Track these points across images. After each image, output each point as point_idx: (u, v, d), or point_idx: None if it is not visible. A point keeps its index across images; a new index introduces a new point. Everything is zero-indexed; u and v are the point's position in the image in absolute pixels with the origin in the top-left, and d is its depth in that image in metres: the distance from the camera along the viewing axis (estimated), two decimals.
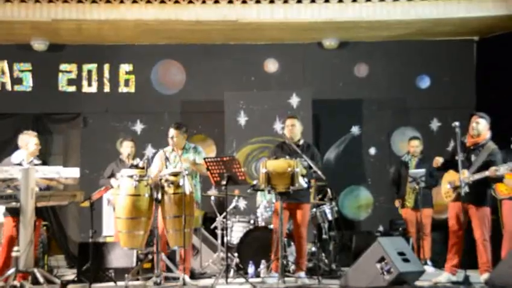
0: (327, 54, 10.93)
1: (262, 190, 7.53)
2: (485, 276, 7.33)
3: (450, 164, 7.58)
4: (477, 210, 7.34)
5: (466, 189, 7.28)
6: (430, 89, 10.92)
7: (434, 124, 10.77)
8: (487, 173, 7.28)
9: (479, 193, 7.38)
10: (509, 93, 10.37)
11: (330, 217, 8.59)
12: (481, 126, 7.55)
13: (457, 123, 7.43)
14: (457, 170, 7.40)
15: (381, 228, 10.40)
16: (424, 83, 10.97)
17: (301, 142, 7.77)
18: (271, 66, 11.00)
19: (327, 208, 8.59)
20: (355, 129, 10.93)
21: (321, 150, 10.67)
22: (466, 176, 7.37)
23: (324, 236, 8.55)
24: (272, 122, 10.23)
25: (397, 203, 9.19)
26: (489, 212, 7.48)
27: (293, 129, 7.74)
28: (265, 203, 8.57)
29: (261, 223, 8.51)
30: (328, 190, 8.74)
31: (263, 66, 10.98)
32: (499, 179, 7.56)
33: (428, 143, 9.45)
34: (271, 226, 7.95)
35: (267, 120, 10.21)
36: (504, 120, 10.08)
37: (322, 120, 10.79)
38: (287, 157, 7.47)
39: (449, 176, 7.64)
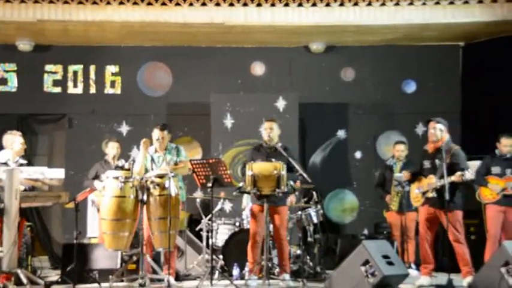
0: (314, 58, 10.99)
1: (248, 192, 7.54)
2: (468, 279, 7.41)
3: (418, 174, 7.76)
4: (447, 215, 7.40)
5: (434, 194, 7.44)
6: (416, 94, 11.01)
7: (420, 129, 10.83)
8: (453, 178, 7.40)
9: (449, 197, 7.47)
10: (495, 99, 10.48)
11: (315, 220, 8.60)
12: (439, 131, 7.67)
13: (442, 128, 7.49)
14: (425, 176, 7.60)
15: (365, 232, 10.46)
16: (410, 87, 11.05)
17: (278, 145, 7.80)
18: (258, 69, 11.04)
19: (312, 211, 8.61)
20: (341, 133, 11.00)
21: (307, 153, 10.85)
22: (433, 181, 7.51)
23: (309, 239, 8.57)
24: (258, 125, 10.07)
25: (387, 198, 9.17)
26: (461, 216, 7.59)
27: (271, 133, 7.77)
28: (251, 205, 8.57)
29: (246, 226, 8.52)
30: (314, 193, 8.75)
31: (250, 69, 11.02)
32: (468, 183, 7.69)
33: (414, 148, 9.48)
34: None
35: (253, 123, 10.17)
36: (489, 126, 10.21)
37: (309, 123, 10.84)
38: (273, 160, 7.49)
39: (418, 182, 7.76)
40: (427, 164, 7.63)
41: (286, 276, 7.61)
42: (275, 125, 7.82)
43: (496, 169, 8.34)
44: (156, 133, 7.71)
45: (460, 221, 7.55)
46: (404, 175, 7.87)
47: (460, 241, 7.47)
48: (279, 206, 7.65)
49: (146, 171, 7.55)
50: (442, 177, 7.42)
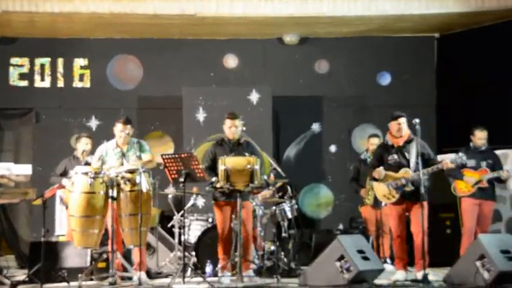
0: (288, 50, 10.98)
1: (221, 188, 7.49)
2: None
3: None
4: (420, 207, 7.43)
5: (412, 187, 7.51)
6: (391, 86, 11.05)
7: None
8: (439, 166, 7.46)
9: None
10: (469, 91, 10.58)
11: (289, 215, 8.60)
12: (405, 124, 7.76)
13: (417, 121, 7.54)
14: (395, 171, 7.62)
15: (340, 227, 10.48)
16: (385, 79, 11.09)
17: (241, 140, 7.80)
18: (231, 61, 11.00)
19: (286, 206, 8.61)
20: (315, 126, 11.01)
21: (281, 147, 10.86)
22: (411, 174, 7.54)
23: (284, 235, 8.58)
24: None
25: (362, 192, 9.20)
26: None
27: (235, 131, 7.77)
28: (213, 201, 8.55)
29: None
30: (288, 188, 8.76)
31: (222, 61, 10.98)
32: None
33: None
34: (232, 225, 7.88)
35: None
36: (463, 118, 10.32)
37: (282, 117, 10.84)
38: (246, 154, 7.50)
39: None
40: (392, 158, 7.65)
41: (250, 272, 7.60)
42: (238, 122, 7.80)
43: (471, 162, 8.40)
44: (119, 127, 7.59)
45: (427, 212, 7.62)
46: (378, 172, 7.77)
47: (426, 233, 7.53)
48: (245, 200, 7.63)
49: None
50: (415, 168, 7.48)
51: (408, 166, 7.63)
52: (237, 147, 7.74)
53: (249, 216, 7.73)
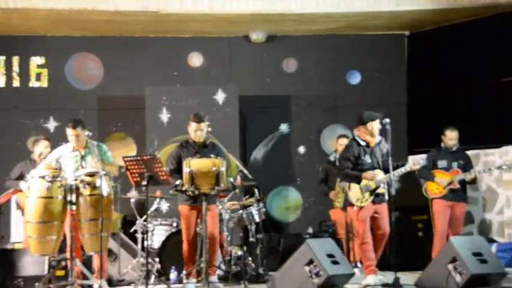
0: (254, 48, 10.98)
1: (186, 191, 7.46)
2: (369, 279, 7.54)
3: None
4: (388, 209, 7.63)
5: (383, 189, 7.61)
6: (361, 85, 11.11)
7: None
8: (408, 168, 7.57)
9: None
10: (441, 90, 10.70)
11: (257, 219, 8.59)
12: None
13: (387, 120, 7.60)
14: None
15: (310, 230, 10.53)
16: (355, 78, 11.15)
17: (207, 142, 7.80)
18: (196, 60, 10.97)
19: (254, 209, 8.60)
20: (283, 127, 11.03)
21: (248, 148, 10.87)
22: (384, 176, 7.60)
23: (251, 239, 8.56)
24: None
25: (332, 195, 9.23)
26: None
27: (201, 135, 7.74)
28: (179, 205, 8.50)
29: None
30: (256, 190, 8.75)
31: (187, 60, 10.94)
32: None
33: None
34: (197, 229, 7.86)
35: None
36: (435, 117, 10.44)
37: (249, 117, 10.85)
38: (212, 156, 7.45)
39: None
40: (365, 159, 7.68)
41: (214, 278, 7.58)
42: (204, 125, 7.77)
43: (442, 163, 8.53)
44: (68, 132, 7.49)
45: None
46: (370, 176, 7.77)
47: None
48: (211, 204, 7.62)
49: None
50: (387, 172, 7.56)
51: (379, 168, 7.67)
52: (202, 149, 7.71)
53: (215, 220, 7.72)
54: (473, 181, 8.62)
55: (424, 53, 11.01)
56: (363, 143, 7.72)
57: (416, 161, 7.75)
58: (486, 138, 10.12)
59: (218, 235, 7.75)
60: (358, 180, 7.63)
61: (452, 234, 8.23)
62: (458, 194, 8.45)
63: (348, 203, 7.76)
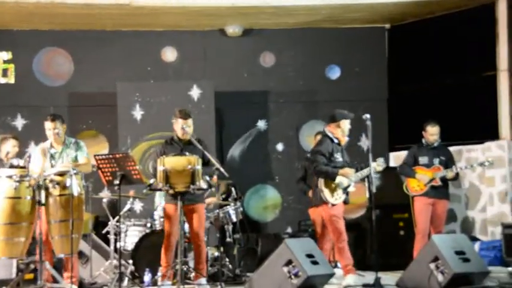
0: (230, 42, 10.99)
1: (160, 190, 7.48)
2: (349, 279, 7.64)
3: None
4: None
5: (353, 188, 7.82)
6: (340, 80, 11.16)
7: None
8: (371, 170, 7.69)
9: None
10: (422, 85, 10.78)
11: (234, 219, 8.62)
12: None
13: (367, 116, 7.68)
14: None
15: (289, 230, 10.56)
16: (334, 73, 11.19)
17: (193, 138, 7.78)
18: (170, 55, 10.96)
19: (231, 209, 8.62)
20: (261, 124, 11.06)
21: (224, 146, 10.87)
22: (354, 174, 7.80)
23: (228, 239, 8.59)
24: (171, 116, 10.00)
25: (311, 193, 9.28)
26: None
27: (189, 131, 7.73)
28: (164, 204, 8.52)
29: (159, 227, 8.45)
30: (233, 189, 8.78)
31: (160, 54, 10.93)
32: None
33: None
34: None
35: (165, 114, 9.80)
36: (416, 113, 10.52)
37: (226, 113, 10.87)
38: (187, 154, 7.44)
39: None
40: (338, 157, 7.83)
41: (203, 280, 7.59)
42: (191, 121, 7.76)
43: (423, 159, 8.58)
44: (47, 125, 7.47)
45: None
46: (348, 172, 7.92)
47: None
48: (197, 203, 7.62)
49: None
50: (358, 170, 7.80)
51: (349, 166, 7.82)
52: (188, 146, 7.68)
53: (202, 221, 7.71)
54: (455, 178, 8.68)
55: (405, 46, 11.09)
56: (335, 140, 7.87)
57: (379, 162, 7.84)
58: (468, 134, 10.23)
59: (204, 236, 7.75)
60: (333, 178, 7.73)
61: (434, 233, 8.31)
62: (440, 191, 8.51)
63: (321, 201, 7.81)
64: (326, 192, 7.80)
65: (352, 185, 7.80)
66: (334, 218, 7.75)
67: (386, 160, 10.73)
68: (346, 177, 7.77)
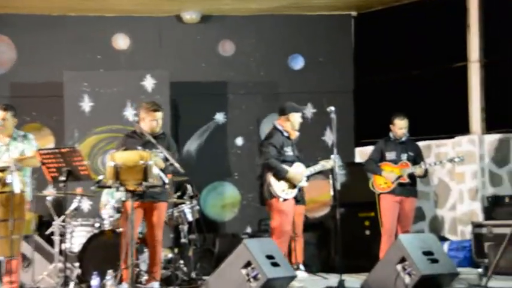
0: (187, 30, 10.95)
1: (109, 187, 7.43)
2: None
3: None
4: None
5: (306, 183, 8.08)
6: (304, 70, 11.16)
7: (309, 110, 10.98)
8: (320, 167, 7.87)
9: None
10: (389, 75, 10.84)
11: (190, 218, 8.59)
12: None
13: (332, 108, 7.72)
14: None
15: (248, 230, 10.54)
16: (297, 63, 11.19)
17: (160, 132, 7.79)
18: (121, 42, 10.88)
19: (186, 207, 8.60)
20: (219, 117, 11.03)
21: (180, 140, 10.78)
22: (303, 170, 7.91)
23: (183, 240, 8.56)
24: (122, 108, 10.14)
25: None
26: None
27: (158, 124, 7.73)
28: (114, 202, 8.46)
29: (108, 227, 8.41)
30: (188, 186, 8.76)
31: (111, 42, 10.84)
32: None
33: (302, 132, 9.60)
34: (121, 230, 7.85)
35: (116, 106, 10.09)
36: (384, 105, 10.58)
37: (182, 105, 10.82)
38: (139, 148, 7.43)
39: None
40: (288, 151, 7.94)
41: (156, 284, 7.58)
42: (162, 114, 7.78)
43: (390, 155, 8.64)
44: None
45: None
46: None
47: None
48: (159, 201, 7.63)
49: None
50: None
51: (299, 161, 7.91)
52: (154, 139, 7.64)
53: (160, 220, 7.72)
54: (424, 175, 8.75)
55: (372, 35, 11.13)
56: (285, 134, 7.98)
57: (332, 159, 7.86)
58: (438, 128, 10.31)
59: (161, 237, 7.74)
60: (281, 176, 7.81)
61: (402, 232, 8.38)
62: (407, 188, 8.57)
63: (271, 195, 7.84)
64: (276, 187, 7.81)
65: (304, 180, 7.87)
66: (280, 212, 7.86)
67: (352, 156, 10.86)
68: (297, 182, 7.88)
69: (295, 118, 7.98)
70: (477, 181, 9.85)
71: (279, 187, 7.85)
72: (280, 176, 7.87)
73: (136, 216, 7.49)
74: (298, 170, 7.95)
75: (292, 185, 7.91)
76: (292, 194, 7.90)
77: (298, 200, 8.09)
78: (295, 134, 8.05)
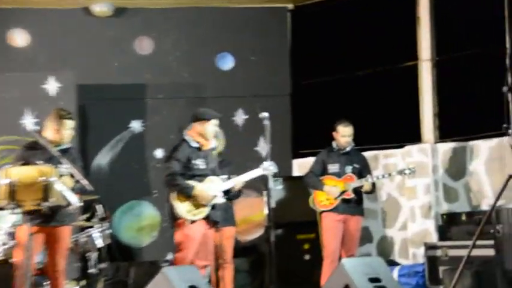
0: (98, 24, 10.90)
1: (2, 209, 7.33)
2: None
3: None
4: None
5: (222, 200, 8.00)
6: (234, 71, 11.20)
7: (240, 116, 11.04)
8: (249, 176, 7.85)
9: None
10: (331, 76, 10.87)
11: (99, 244, 8.57)
12: None
13: (265, 114, 7.64)
14: None
15: (169, 257, 10.39)
16: (226, 63, 11.20)
17: (67, 145, 7.69)
18: (19, 38, 10.75)
19: (95, 232, 8.57)
20: (135, 125, 10.96)
21: (89, 153, 10.75)
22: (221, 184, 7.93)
23: (91, 270, 8.51)
24: (20, 116, 10.00)
25: None
26: None
27: (71, 134, 7.64)
28: (6, 227, 8.25)
29: (0, 256, 8.20)
30: (98, 207, 8.75)
31: (6, 38, 10.70)
32: None
33: (232, 141, 9.58)
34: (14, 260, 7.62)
35: (14, 113, 9.97)
36: (325, 111, 10.58)
37: (91, 112, 10.73)
38: (40, 162, 7.29)
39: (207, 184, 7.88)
40: (198, 163, 7.82)
41: None
42: (74, 123, 7.70)
43: (333, 167, 8.73)
44: None
45: None
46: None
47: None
48: (63, 225, 7.49)
49: None
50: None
51: (213, 174, 7.86)
52: (59, 153, 7.49)
53: (64, 248, 7.57)
54: (372, 190, 8.80)
55: (311, 31, 11.21)
56: (194, 145, 7.88)
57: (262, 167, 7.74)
58: (386, 137, 10.40)
59: (64, 267, 7.59)
60: (189, 192, 7.72)
61: (346, 256, 8.44)
62: (352, 205, 8.62)
63: (175, 218, 7.74)
64: (181, 207, 7.71)
65: (219, 196, 7.79)
66: (185, 236, 7.71)
67: (289, 169, 10.81)
68: (203, 199, 7.77)
69: (208, 126, 7.88)
70: (430, 196, 9.94)
71: (183, 208, 7.70)
72: (186, 194, 7.74)
73: (35, 242, 7.32)
74: (210, 186, 7.81)
75: (201, 204, 7.72)
76: (201, 215, 7.72)
77: (216, 221, 7.89)
78: (208, 145, 7.91)
